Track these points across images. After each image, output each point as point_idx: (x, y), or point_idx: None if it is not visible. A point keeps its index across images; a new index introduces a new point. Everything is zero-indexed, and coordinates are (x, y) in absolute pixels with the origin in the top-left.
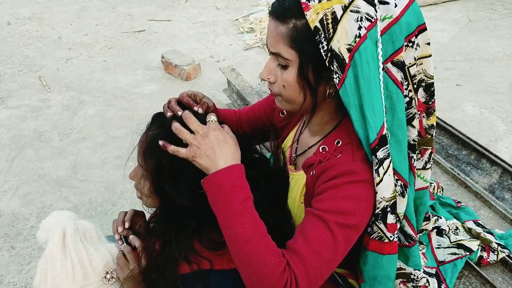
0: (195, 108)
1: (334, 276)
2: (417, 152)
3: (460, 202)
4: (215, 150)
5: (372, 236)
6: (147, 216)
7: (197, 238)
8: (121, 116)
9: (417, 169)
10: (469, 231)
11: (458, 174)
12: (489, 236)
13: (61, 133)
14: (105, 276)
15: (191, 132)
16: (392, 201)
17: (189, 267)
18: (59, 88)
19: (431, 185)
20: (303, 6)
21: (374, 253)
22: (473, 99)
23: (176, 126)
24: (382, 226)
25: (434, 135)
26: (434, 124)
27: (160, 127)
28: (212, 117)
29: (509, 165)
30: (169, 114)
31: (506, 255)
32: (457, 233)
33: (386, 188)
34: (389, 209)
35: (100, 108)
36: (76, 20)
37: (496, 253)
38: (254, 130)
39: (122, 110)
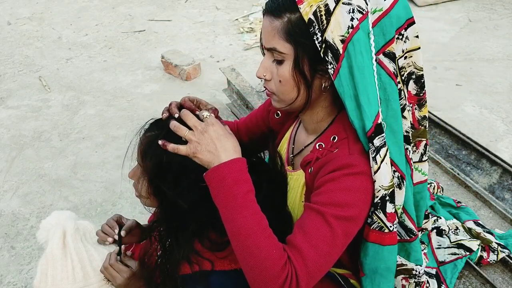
0: (205, 114)
1: (336, 277)
2: (412, 144)
3: (460, 202)
4: (216, 144)
5: (372, 227)
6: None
7: (198, 239)
8: (121, 116)
9: (413, 162)
10: (469, 231)
11: (458, 174)
12: (489, 236)
13: (61, 133)
14: (105, 276)
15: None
16: (391, 189)
17: (190, 267)
18: (59, 88)
19: (431, 185)
20: (296, 0)
21: (374, 245)
22: (473, 99)
23: (174, 123)
24: (381, 215)
25: (427, 126)
26: (427, 115)
27: (159, 128)
28: (205, 113)
29: (509, 165)
30: (164, 115)
31: (506, 255)
32: (457, 233)
33: (384, 176)
34: (387, 198)
35: (100, 108)
36: (76, 20)
37: (496, 253)
38: (252, 139)
39: (122, 110)
